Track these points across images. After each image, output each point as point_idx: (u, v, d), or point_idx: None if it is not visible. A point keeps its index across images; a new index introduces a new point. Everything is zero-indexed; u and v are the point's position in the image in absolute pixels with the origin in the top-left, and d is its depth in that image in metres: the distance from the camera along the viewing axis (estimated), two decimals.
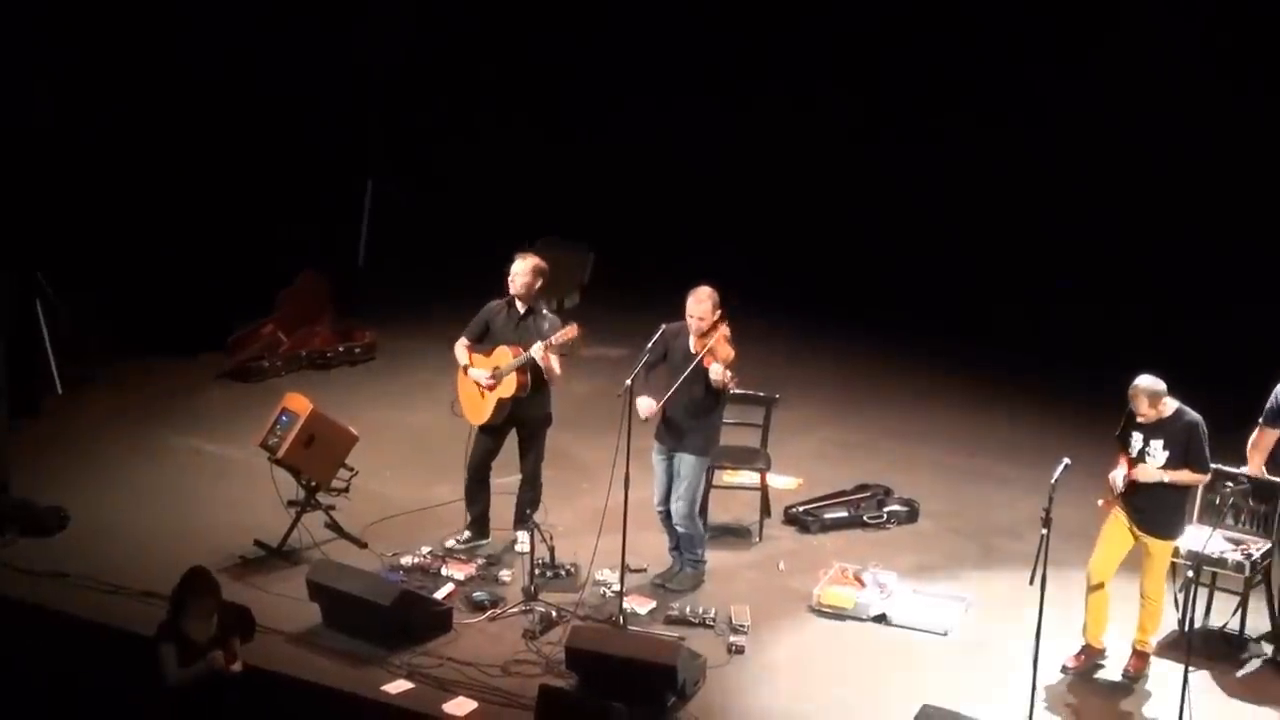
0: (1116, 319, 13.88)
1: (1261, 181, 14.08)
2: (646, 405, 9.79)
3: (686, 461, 9.99)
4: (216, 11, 14.68)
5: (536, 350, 10.05)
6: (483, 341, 10.47)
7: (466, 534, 10.65)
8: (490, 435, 10.52)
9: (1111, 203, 14.79)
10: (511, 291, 10.34)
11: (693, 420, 9.93)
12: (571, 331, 10.13)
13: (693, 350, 9.79)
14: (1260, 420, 9.81)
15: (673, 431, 9.99)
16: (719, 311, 9.77)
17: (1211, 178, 14.23)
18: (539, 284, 10.37)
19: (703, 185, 16.13)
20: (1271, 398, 9.75)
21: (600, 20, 16.39)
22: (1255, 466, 9.76)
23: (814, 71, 15.90)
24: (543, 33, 16.52)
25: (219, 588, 8.64)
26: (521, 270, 10.29)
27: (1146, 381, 8.99)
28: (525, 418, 10.44)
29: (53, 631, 9.41)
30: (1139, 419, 9.03)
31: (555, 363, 10.19)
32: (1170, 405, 9.02)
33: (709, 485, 10.56)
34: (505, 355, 10.27)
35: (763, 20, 16.03)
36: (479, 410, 10.42)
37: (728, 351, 9.75)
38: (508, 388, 10.25)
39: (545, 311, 10.42)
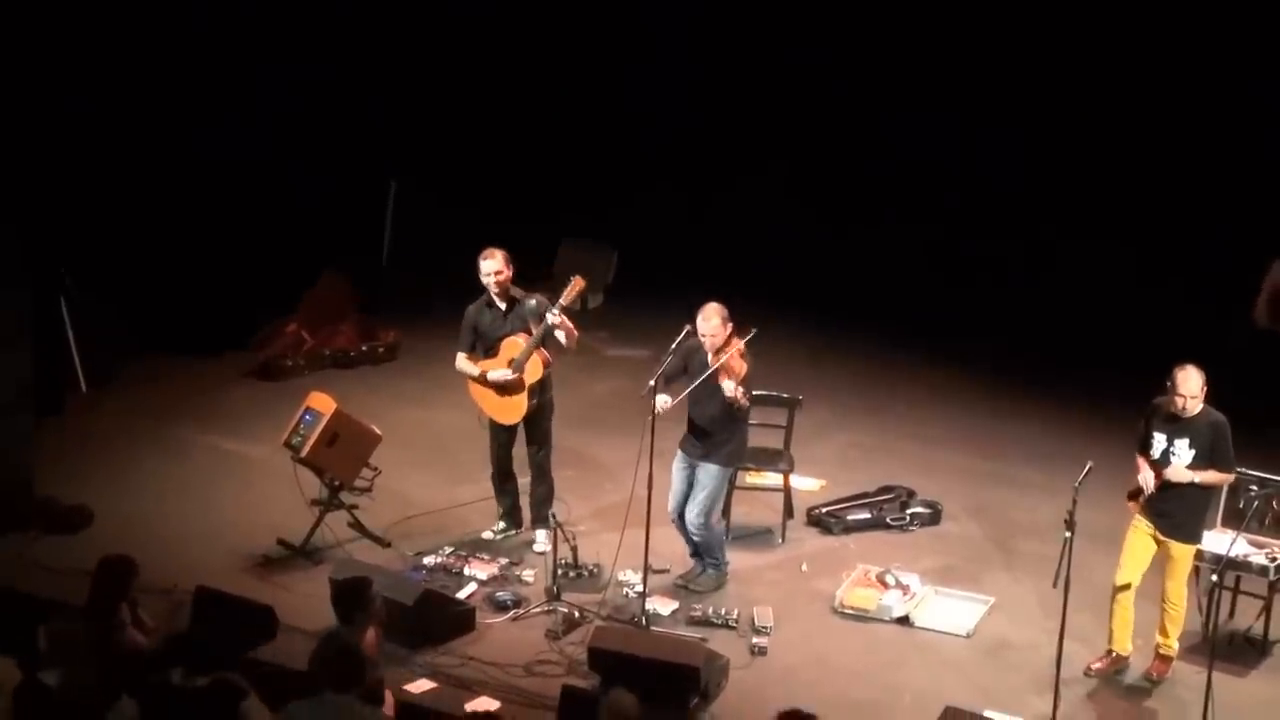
0: (1139, 322, 13.80)
1: None
2: (663, 401, 9.75)
3: (709, 471, 9.97)
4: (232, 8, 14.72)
5: (553, 317, 10.04)
6: (474, 349, 10.47)
7: (501, 524, 10.73)
8: (504, 428, 10.54)
9: (1136, 205, 14.73)
10: (493, 290, 10.30)
11: (718, 432, 9.92)
12: (579, 283, 10.15)
13: (710, 364, 9.76)
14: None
15: (700, 442, 9.97)
16: (730, 325, 9.73)
17: (1237, 180, 14.17)
18: (512, 273, 10.37)
19: (727, 186, 16.12)
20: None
21: (619, 17, 16.35)
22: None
23: (830, 72, 15.86)
24: (565, 29, 16.48)
25: (136, 573, 8.33)
26: (498, 266, 10.25)
27: (1194, 367, 8.92)
28: (535, 402, 10.42)
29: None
30: (1177, 402, 8.89)
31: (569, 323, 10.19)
32: (1199, 403, 8.97)
33: (732, 487, 10.58)
34: (515, 345, 10.27)
35: (779, 17, 16.00)
36: (513, 408, 10.38)
37: (741, 366, 9.71)
38: (535, 371, 10.25)
39: (520, 295, 10.39)
